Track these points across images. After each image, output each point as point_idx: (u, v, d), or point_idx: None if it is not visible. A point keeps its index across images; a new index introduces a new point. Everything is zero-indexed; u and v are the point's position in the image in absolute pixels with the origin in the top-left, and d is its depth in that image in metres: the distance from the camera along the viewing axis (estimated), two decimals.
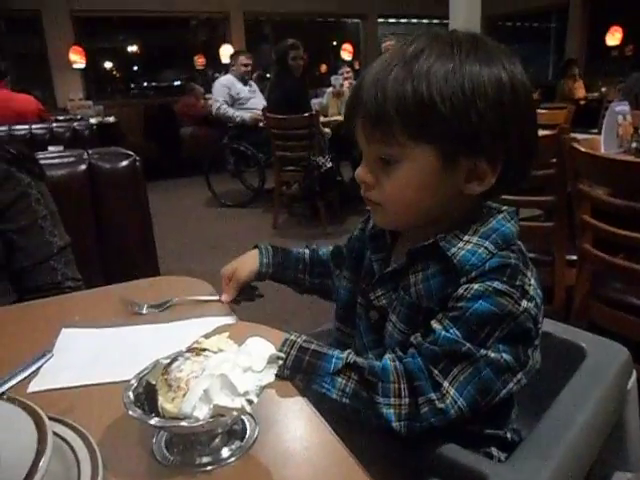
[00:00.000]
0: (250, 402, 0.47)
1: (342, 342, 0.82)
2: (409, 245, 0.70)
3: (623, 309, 1.55)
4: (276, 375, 0.52)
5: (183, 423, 0.47)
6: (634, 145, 2.02)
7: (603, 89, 6.45)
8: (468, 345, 0.60)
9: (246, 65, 5.03)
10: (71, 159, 1.43)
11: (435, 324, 0.63)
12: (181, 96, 7.10)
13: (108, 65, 8.64)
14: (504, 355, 0.62)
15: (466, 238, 0.65)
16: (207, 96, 7.15)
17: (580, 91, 6.76)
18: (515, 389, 0.65)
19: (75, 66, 6.75)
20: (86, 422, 0.53)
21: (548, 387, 0.74)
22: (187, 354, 0.53)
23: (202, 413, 0.47)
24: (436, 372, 0.60)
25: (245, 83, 5.09)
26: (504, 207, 0.70)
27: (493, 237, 0.65)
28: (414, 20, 9.42)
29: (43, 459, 0.42)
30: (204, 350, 0.53)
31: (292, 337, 0.65)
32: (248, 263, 0.90)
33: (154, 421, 0.48)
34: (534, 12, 9.32)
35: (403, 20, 9.41)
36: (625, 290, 1.62)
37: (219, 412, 0.47)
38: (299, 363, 0.63)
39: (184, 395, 0.49)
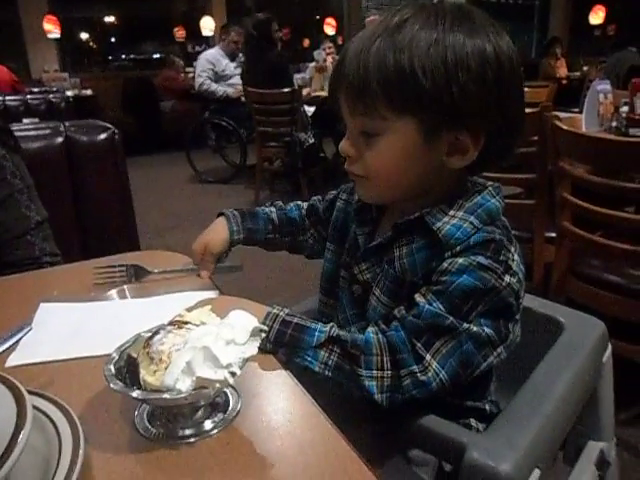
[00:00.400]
0: (233, 374, 0.47)
1: (325, 314, 0.82)
2: (395, 219, 0.70)
3: (600, 286, 1.58)
4: (258, 348, 0.52)
5: (165, 395, 0.47)
6: (614, 124, 2.04)
7: (585, 68, 6.48)
8: (451, 319, 0.61)
9: (236, 42, 4.92)
10: (47, 131, 1.39)
11: (419, 298, 0.63)
12: (161, 69, 6.94)
13: (84, 36, 8.39)
14: (485, 329, 0.62)
15: (451, 213, 0.65)
16: (188, 70, 7.01)
17: (562, 70, 6.78)
18: (495, 362, 0.66)
19: (50, 36, 6.52)
20: (66, 396, 0.53)
21: (527, 360, 0.76)
22: (169, 327, 0.52)
23: (184, 385, 0.47)
24: (419, 345, 0.60)
25: (233, 59, 4.99)
26: (489, 183, 0.70)
27: (478, 212, 0.65)
28: None
29: (22, 432, 0.41)
30: (186, 323, 0.53)
31: (275, 310, 0.65)
32: (219, 233, 0.87)
33: (136, 394, 0.48)
34: None
35: None
36: (602, 267, 1.65)
37: (202, 384, 0.47)
38: (282, 336, 0.63)
39: (166, 368, 0.48)
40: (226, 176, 5.04)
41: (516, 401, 0.67)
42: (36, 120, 2.58)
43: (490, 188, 0.69)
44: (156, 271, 0.88)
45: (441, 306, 0.61)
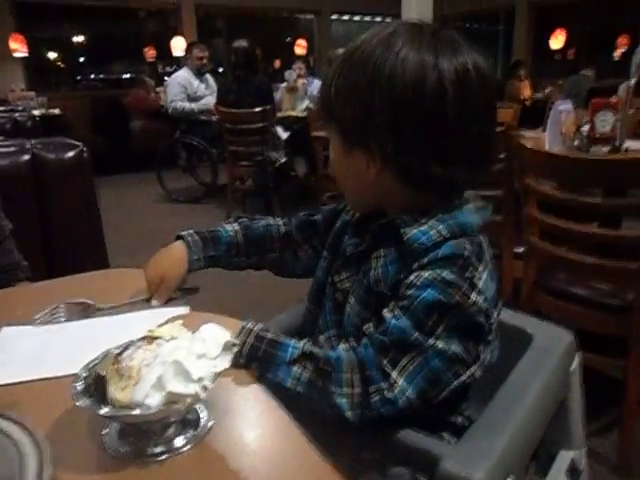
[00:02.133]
0: (204, 388, 0.47)
1: (309, 321, 0.82)
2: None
3: (567, 299, 1.62)
4: (231, 363, 0.52)
5: (135, 412, 0.46)
6: (576, 142, 2.11)
7: (547, 90, 6.70)
8: (416, 334, 0.60)
9: (200, 58, 4.93)
10: (12, 149, 1.36)
11: (386, 313, 0.63)
12: (131, 89, 6.90)
13: (52, 55, 8.29)
14: (452, 347, 0.62)
15: (423, 220, 0.66)
16: (158, 89, 6.98)
17: (526, 91, 7.00)
18: (468, 381, 0.65)
19: (16, 55, 6.43)
20: (33, 414, 0.51)
21: (497, 371, 0.76)
22: (139, 342, 0.51)
23: (155, 401, 0.46)
24: (385, 362, 0.60)
25: (201, 77, 4.99)
26: (476, 201, 0.70)
27: (449, 223, 0.65)
28: (367, 18, 9.50)
29: None
30: (156, 338, 0.52)
31: (249, 325, 0.65)
32: (177, 266, 0.84)
33: (104, 411, 0.47)
34: (483, 14, 9.58)
35: (357, 17, 9.48)
36: (569, 280, 1.69)
37: (172, 399, 0.46)
38: (255, 351, 0.62)
39: (135, 384, 0.47)
40: (197, 195, 5.01)
41: (488, 411, 0.67)
42: (1, 138, 2.53)
43: (472, 205, 0.69)
44: (105, 306, 0.82)
45: (407, 321, 0.61)
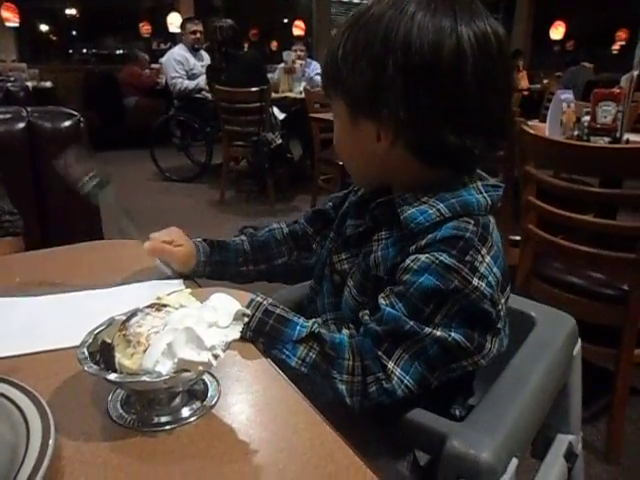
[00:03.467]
0: (216, 357, 0.45)
1: (312, 300, 0.81)
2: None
3: (562, 287, 1.62)
4: (240, 334, 0.50)
5: (144, 378, 0.44)
6: (576, 132, 2.10)
7: (545, 81, 6.69)
8: (411, 323, 0.58)
9: (194, 32, 4.84)
10: (7, 116, 1.33)
11: (382, 299, 0.61)
12: (124, 64, 6.78)
13: (44, 27, 8.13)
14: (453, 334, 0.59)
15: (424, 199, 0.63)
16: (153, 66, 6.88)
17: (524, 82, 6.99)
18: (470, 369, 0.63)
19: (7, 24, 6.29)
20: (32, 383, 0.49)
21: (505, 353, 0.76)
22: (147, 309, 0.50)
23: (165, 368, 0.44)
24: (380, 353, 0.59)
25: (196, 52, 4.91)
26: (487, 179, 0.68)
27: (451, 202, 0.62)
28: (366, 1, 9.38)
29: None
30: (165, 306, 0.51)
31: (258, 298, 0.64)
32: (188, 244, 0.81)
33: (113, 377, 0.45)
34: (483, 2, 9.49)
35: (356, 0, 9.36)
36: (564, 269, 1.69)
37: (183, 367, 0.45)
38: (262, 326, 0.61)
39: (144, 351, 0.46)
40: (191, 175, 4.96)
41: (493, 392, 0.67)
42: None
43: (479, 184, 0.65)
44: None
45: (403, 309, 0.59)
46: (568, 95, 2.21)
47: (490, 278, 0.60)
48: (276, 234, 0.87)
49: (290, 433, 0.48)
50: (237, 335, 0.49)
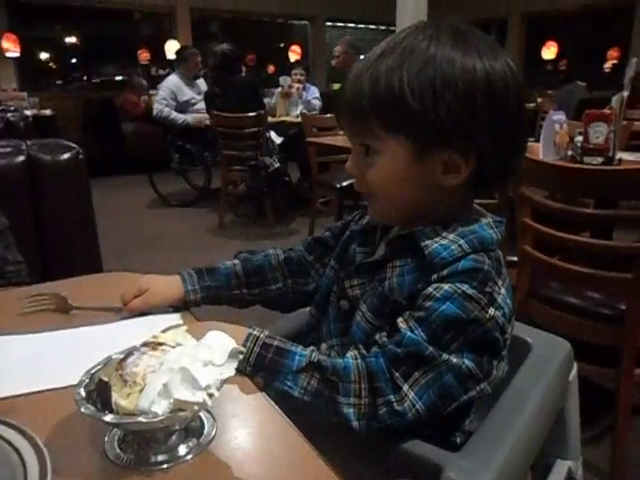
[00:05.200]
0: (211, 396, 0.46)
1: (313, 327, 0.82)
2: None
3: (560, 308, 1.63)
4: (237, 370, 0.51)
5: (141, 419, 0.45)
6: (570, 153, 2.12)
7: (539, 100, 6.76)
8: (431, 349, 0.60)
9: (196, 64, 4.92)
10: (8, 149, 1.35)
11: (401, 324, 0.62)
12: (123, 91, 6.87)
13: (45, 56, 8.24)
14: (466, 361, 0.61)
15: (444, 234, 0.66)
16: (151, 92, 6.96)
17: None
18: (476, 397, 0.65)
19: (8, 54, 6.39)
20: (29, 423, 0.50)
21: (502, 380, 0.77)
22: (143, 348, 0.51)
23: (161, 408, 0.45)
24: (397, 375, 0.60)
25: (192, 84, 4.97)
26: (492, 216, 0.71)
27: (470, 237, 0.65)
28: (361, 25, 9.55)
29: None
30: (161, 344, 0.51)
31: (255, 332, 0.64)
32: (166, 287, 0.82)
33: (109, 418, 0.46)
34: (476, 23, 9.63)
35: (351, 25, 9.52)
36: (561, 290, 1.70)
37: (179, 407, 0.46)
38: (262, 360, 0.62)
39: (141, 390, 0.47)
40: (190, 199, 4.99)
41: (489, 420, 0.67)
42: None
43: (490, 220, 0.69)
44: (81, 306, 0.82)
45: (423, 334, 0.60)
46: (560, 116, 2.24)
47: (505, 309, 0.64)
48: (272, 259, 0.88)
49: (285, 469, 0.48)
50: (232, 373, 0.49)
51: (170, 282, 0.83)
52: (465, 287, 0.61)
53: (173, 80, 4.91)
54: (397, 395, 0.59)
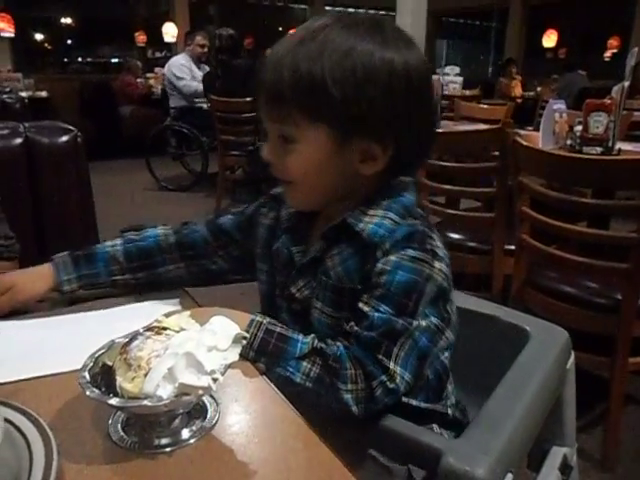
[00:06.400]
0: (215, 380, 0.46)
1: None
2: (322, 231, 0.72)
3: (556, 296, 1.64)
4: (240, 355, 0.51)
5: (146, 402, 0.45)
6: (569, 142, 2.12)
7: (539, 88, 6.74)
8: (400, 321, 0.62)
9: (202, 46, 4.85)
10: (5, 131, 1.33)
11: (364, 307, 0.64)
12: (120, 73, 6.80)
13: (40, 36, 8.15)
14: (432, 319, 0.66)
15: (371, 212, 0.68)
16: (148, 75, 6.89)
17: (517, 89, 7.04)
18: (445, 347, 0.71)
19: (3, 34, 6.31)
20: (34, 406, 0.50)
21: (495, 367, 0.77)
22: (147, 333, 0.51)
23: (166, 392, 0.45)
24: (380, 357, 0.61)
25: (200, 67, 4.92)
26: (403, 179, 0.73)
27: (395, 208, 0.68)
28: (361, 10, 9.46)
29: None
30: (165, 329, 0.51)
31: (258, 318, 0.65)
32: (33, 280, 0.78)
33: (114, 401, 0.46)
34: (477, 10, 9.59)
35: (350, 9, 9.43)
36: (558, 279, 1.71)
37: (184, 391, 0.46)
38: (265, 345, 0.62)
39: (145, 374, 0.47)
40: (186, 184, 4.96)
41: (488, 406, 0.68)
42: None
43: (403, 184, 0.72)
44: None
45: (388, 309, 0.62)
46: (560, 105, 2.24)
47: (446, 258, 0.68)
48: (160, 241, 0.85)
49: (288, 453, 0.49)
50: (236, 358, 0.50)
51: (40, 273, 0.80)
52: (409, 252, 0.64)
53: (182, 59, 4.84)
54: (387, 375, 0.61)
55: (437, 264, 0.66)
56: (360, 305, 0.64)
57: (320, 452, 0.48)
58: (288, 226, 0.78)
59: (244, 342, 0.51)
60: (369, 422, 0.65)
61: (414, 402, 0.73)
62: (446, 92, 4.20)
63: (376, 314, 0.62)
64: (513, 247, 1.87)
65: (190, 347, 0.46)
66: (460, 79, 4.70)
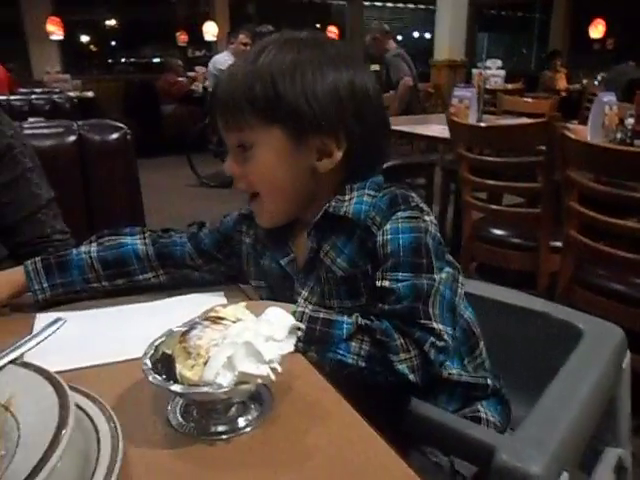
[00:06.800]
0: (274, 370, 0.47)
1: None
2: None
3: (605, 294, 1.59)
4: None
5: (206, 389, 0.47)
6: (619, 135, 2.06)
7: (585, 81, 6.52)
8: (424, 280, 0.64)
9: (245, 44, 4.90)
10: (60, 129, 1.39)
11: (383, 282, 0.66)
12: (162, 73, 6.94)
13: (85, 39, 8.40)
14: (447, 269, 0.69)
15: (347, 197, 0.71)
16: (188, 73, 7.02)
17: (562, 82, 6.83)
18: (462, 293, 0.76)
19: (52, 37, 6.53)
20: (96, 391, 0.52)
21: (546, 364, 0.76)
22: (205, 322, 0.52)
23: (226, 380, 0.46)
24: (422, 322, 0.62)
25: None
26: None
27: (368, 185, 0.72)
28: (400, 5, 9.37)
29: (66, 428, 0.41)
30: (222, 319, 0.53)
31: (300, 308, 0.66)
32: (3, 288, 0.77)
33: (177, 388, 0.47)
34: (519, 1, 9.34)
35: (389, 4, 9.35)
36: (607, 276, 1.66)
37: (243, 379, 0.47)
38: (311, 334, 0.63)
39: (204, 363, 0.48)
40: (227, 180, 4.97)
41: (541, 404, 0.67)
42: (41, 119, 2.58)
43: (369, 172, 0.74)
44: None
45: (407, 274, 0.64)
46: (611, 97, 2.16)
47: (430, 212, 0.71)
48: (138, 249, 0.82)
49: (344, 444, 0.49)
50: (291, 348, 0.50)
51: (8, 279, 0.79)
52: (400, 214, 0.68)
53: (226, 57, 4.90)
54: (434, 335, 0.62)
55: (427, 217, 0.69)
56: (379, 283, 0.66)
57: (376, 444, 0.48)
58: (269, 240, 0.79)
59: (299, 333, 0.52)
60: (419, 415, 0.65)
61: (454, 374, 0.75)
62: (488, 86, 4.11)
63: (399, 284, 0.64)
64: (559, 244, 1.83)
65: (248, 337, 0.47)
66: (502, 72, 4.59)
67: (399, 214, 0.68)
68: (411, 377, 0.61)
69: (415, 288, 0.64)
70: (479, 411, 0.77)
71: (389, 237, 0.67)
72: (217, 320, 0.53)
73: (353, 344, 0.63)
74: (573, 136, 1.62)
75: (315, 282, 0.74)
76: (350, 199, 0.71)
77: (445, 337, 0.63)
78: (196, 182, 5.10)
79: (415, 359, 0.61)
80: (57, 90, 4.53)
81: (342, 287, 0.71)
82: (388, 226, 0.67)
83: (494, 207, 2.15)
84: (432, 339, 0.62)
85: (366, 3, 9.04)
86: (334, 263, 0.71)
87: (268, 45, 0.70)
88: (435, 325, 0.62)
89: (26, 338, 0.55)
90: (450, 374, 0.75)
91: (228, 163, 0.74)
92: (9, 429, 0.44)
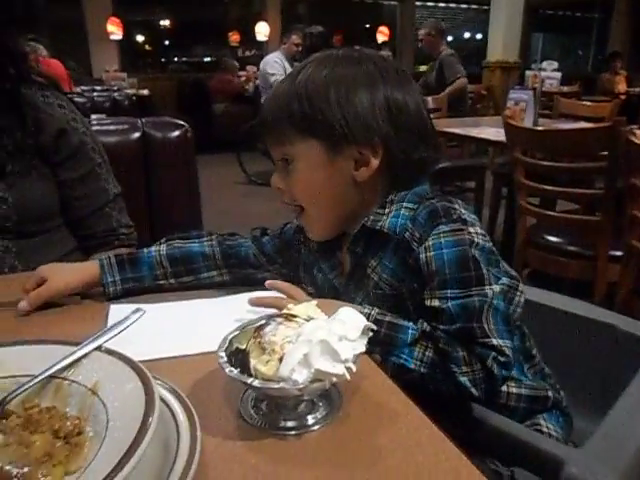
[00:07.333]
0: (349, 369, 0.48)
1: None
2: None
3: None
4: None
5: (283, 385, 0.48)
6: None
7: None
8: (475, 297, 0.62)
9: (297, 45, 4.95)
10: (125, 126, 1.44)
11: (433, 302, 0.65)
12: (214, 72, 7.08)
13: (141, 38, 8.66)
14: (503, 279, 0.67)
15: (386, 211, 0.72)
16: (240, 73, 7.13)
17: (621, 85, 6.58)
18: (521, 301, 0.71)
19: (112, 37, 6.78)
20: (170, 382, 0.54)
21: (614, 377, 0.74)
22: (278, 319, 0.53)
23: (301, 377, 0.47)
24: (480, 340, 0.61)
25: (292, 64, 5.02)
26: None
27: (408, 197, 0.72)
28: (452, 5, 9.23)
29: (152, 415, 0.42)
30: (294, 317, 0.54)
31: (366, 310, 0.66)
32: (72, 277, 0.81)
33: (256, 382, 0.49)
34: (577, 1, 9.04)
35: (441, 4, 9.22)
36: None
37: (318, 377, 0.48)
38: (376, 335, 0.63)
39: (279, 359, 0.49)
40: None
41: (611, 418, 0.65)
42: (103, 116, 2.68)
43: (413, 180, 0.74)
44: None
45: (456, 292, 0.63)
46: None
47: (477, 222, 0.70)
48: (205, 248, 0.87)
49: (414, 446, 0.49)
50: (364, 349, 0.51)
51: (80, 268, 0.84)
52: (441, 227, 0.66)
53: (277, 57, 4.96)
54: (495, 351, 0.61)
55: (471, 229, 0.67)
56: (428, 303, 0.65)
57: (446, 447, 0.48)
58: (319, 253, 0.82)
59: (371, 334, 0.52)
60: (484, 424, 0.65)
61: (514, 389, 0.73)
62: (543, 88, 4.00)
63: (449, 303, 0.63)
64: (618, 253, 1.76)
65: (323, 335, 0.48)
66: (558, 74, 4.46)
67: (441, 228, 0.66)
68: (473, 390, 0.61)
69: (466, 306, 0.63)
70: (540, 425, 0.76)
71: (432, 254, 0.66)
72: (289, 317, 0.54)
73: (417, 349, 0.63)
74: (638, 141, 1.55)
75: (363, 298, 0.75)
76: (388, 212, 0.72)
77: (507, 352, 0.62)
78: (244, 179, 5.18)
79: (477, 373, 0.61)
80: (116, 88, 4.70)
81: (389, 304, 0.71)
82: (430, 242, 0.66)
83: (550, 213, 2.09)
84: (494, 354, 0.61)
85: (418, 3, 8.95)
86: (381, 279, 0.72)
87: (307, 63, 0.74)
88: (495, 342, 0.61)
89: (108, 326, 0.57)
90: (510, 392, 0.73)
91: (273, 177, 0.77)
92: (97, 412, 0.46)
